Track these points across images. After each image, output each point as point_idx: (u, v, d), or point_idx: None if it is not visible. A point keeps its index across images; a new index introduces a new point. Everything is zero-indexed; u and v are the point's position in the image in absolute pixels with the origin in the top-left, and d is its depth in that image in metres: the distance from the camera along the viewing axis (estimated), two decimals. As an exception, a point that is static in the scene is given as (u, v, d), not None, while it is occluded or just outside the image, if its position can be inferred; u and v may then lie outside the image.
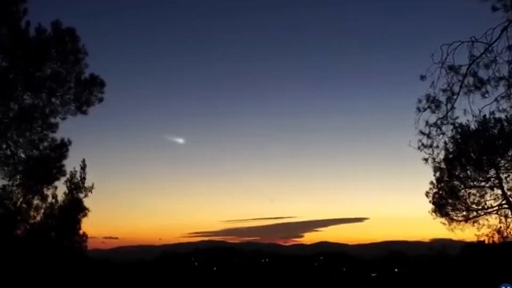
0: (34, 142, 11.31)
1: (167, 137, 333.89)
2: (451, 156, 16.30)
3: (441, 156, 14.58)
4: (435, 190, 17.40)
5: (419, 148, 10.50)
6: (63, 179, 12.41)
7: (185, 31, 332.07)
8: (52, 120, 11.27)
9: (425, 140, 10.09)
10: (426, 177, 17.02)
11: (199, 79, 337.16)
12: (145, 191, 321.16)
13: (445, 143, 10.94)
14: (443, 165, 16.60)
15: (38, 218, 12.57)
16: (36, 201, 12.43)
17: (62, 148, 11.66)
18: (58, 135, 11.57)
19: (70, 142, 11.67)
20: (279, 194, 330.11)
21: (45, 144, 11.48)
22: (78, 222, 12.92)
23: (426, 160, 12.40)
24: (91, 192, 13.02)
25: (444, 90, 9.08)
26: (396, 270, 58.13)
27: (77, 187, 12.78)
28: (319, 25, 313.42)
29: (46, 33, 10.29)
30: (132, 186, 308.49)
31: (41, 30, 10.25)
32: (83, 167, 13.18)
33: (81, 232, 13.12)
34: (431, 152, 10.80)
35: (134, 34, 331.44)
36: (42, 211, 12.59)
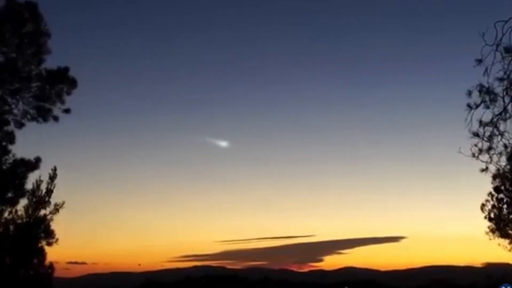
0: None
1: (147, 137, 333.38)
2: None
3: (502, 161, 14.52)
4: (492, 203, 17.37)
5: (473, 155, 10.32)
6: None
7: (228, 31, 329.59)
8: (7, 127, 11.21)
9: (480, 144, 10.00)
10: (479, 186, 16.98)
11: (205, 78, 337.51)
12: (121, 204, 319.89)
13: (505, 146, 10.65)
14: (501, 171, 16.54)
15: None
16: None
17: (22, 167, 11.51)
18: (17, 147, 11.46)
19: (39, 160, 11.50)
20: (292, 207, 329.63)
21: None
22: (40, 248, 12.66)
23: (484, 170, 11.76)
24: (58, 211, 12.89)
25: (500, 79, 9.12)
26: (440, 302, 58.19)
27: (41, 201, 12.58)
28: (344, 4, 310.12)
29: None
30: (105, 197, 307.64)
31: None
32: (53, 177, 12.94)
33: (44, 259, 12.86)
34: (489, 160, 10.55)
35: (156, 33, 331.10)
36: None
